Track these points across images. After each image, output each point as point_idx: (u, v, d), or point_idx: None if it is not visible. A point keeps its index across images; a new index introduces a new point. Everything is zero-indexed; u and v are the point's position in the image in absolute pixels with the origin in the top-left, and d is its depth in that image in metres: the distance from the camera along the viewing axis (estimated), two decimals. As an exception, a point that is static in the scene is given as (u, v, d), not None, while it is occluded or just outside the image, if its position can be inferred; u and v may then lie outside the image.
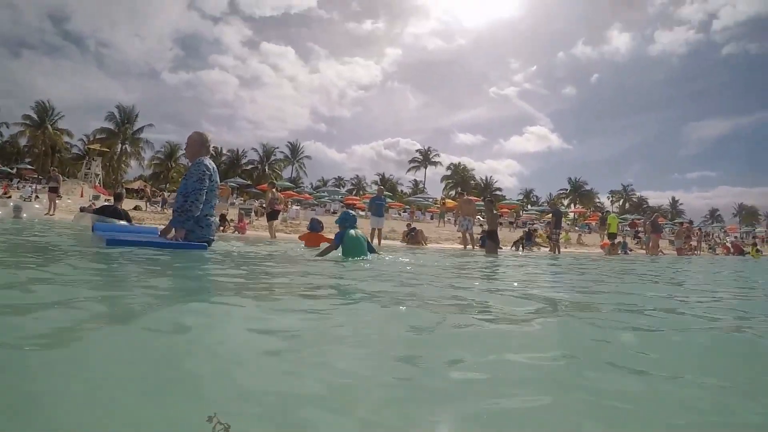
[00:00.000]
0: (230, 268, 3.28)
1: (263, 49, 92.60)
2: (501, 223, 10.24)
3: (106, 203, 9.76)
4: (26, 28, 70.99)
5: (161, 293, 2.04)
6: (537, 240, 18.01)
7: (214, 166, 4.33)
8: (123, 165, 50.68)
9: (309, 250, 5.85)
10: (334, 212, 30.71)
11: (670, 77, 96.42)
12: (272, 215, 11.14)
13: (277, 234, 11.12)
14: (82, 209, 9.99)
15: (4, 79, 63.66)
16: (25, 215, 10.14)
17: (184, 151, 4.38)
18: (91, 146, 42.49)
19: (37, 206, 13.42)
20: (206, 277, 2.81)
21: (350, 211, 4.95)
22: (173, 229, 4.12)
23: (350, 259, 4.53)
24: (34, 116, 48.05)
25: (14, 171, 37.94)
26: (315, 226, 7.33)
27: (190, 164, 4.27)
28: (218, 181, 4.34)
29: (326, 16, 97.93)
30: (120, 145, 49.74)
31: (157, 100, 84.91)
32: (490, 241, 9.26)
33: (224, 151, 58.30)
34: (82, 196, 24.91)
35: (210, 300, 2.00)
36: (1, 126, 50.10)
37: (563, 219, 21.24)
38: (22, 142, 49.63)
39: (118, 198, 7.43)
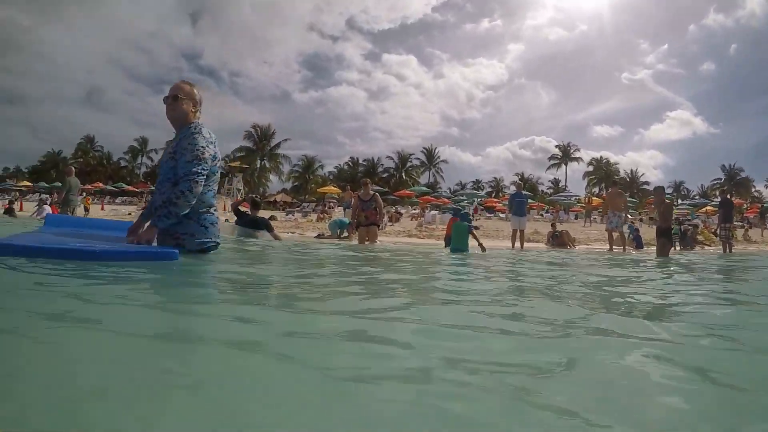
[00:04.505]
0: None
1: (385, 60, 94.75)
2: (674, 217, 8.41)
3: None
4: (164, 68, 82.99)
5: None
6: (699, 237, 15.20)
7: (215, 136, 2.80)
8: (263, 180, 55.45)
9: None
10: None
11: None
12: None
13: (411, 239, 10.57)
14: (226, 221, 10.61)
15: (149, 113, 75.12)
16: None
17: (168, 113, 2.77)
18: (232, 164, 47.68)
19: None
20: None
21: (459, 208, 6.01)
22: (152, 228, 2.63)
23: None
24: (178, 141, 55.87)
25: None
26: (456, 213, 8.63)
27: (178, 132, 2.78)
28: (219, 156, 2.81)
29: (441, 19, 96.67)
30: (259, 161, 54.65)
31: (291, 119, 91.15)
32: (662, 238, 7.52)
33: (361, 161, 61.18)
34: (225, 210, 27.71)
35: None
36: (151, 152, 59.55)
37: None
38: (169, 165, 58.19)
39: (255, 206, 7.53)
